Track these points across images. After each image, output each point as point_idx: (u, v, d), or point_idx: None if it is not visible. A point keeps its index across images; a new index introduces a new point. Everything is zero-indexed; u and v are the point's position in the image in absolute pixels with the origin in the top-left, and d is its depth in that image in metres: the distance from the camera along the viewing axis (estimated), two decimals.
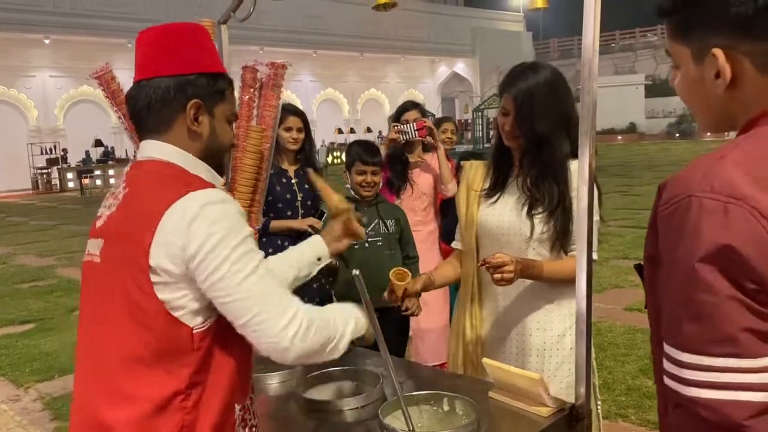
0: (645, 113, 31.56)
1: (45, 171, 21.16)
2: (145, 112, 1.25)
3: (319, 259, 1.56)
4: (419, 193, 3.48)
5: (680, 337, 0.84)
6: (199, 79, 1.24)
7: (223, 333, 1.20)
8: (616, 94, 28.81)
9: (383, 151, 3.46)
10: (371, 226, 2.73)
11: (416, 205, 3.46)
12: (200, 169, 1.27)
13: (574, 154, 1.78)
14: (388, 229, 2.77)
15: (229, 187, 2.08)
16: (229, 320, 1.17)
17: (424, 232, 3.45)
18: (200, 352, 1.16)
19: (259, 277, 1.16)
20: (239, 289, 1.14)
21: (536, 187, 1.87)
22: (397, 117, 3.60)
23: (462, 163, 3.36)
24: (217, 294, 1.14)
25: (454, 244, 2.13)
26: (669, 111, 31.39)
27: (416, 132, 3.40)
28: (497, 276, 1.72)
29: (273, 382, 1.84)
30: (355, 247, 2.67)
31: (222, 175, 1.37)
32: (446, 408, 1.60)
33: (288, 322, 1.15)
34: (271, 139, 2.26)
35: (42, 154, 21.19)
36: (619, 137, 30.26)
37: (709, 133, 0.96)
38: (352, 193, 2.78)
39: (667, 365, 0.86)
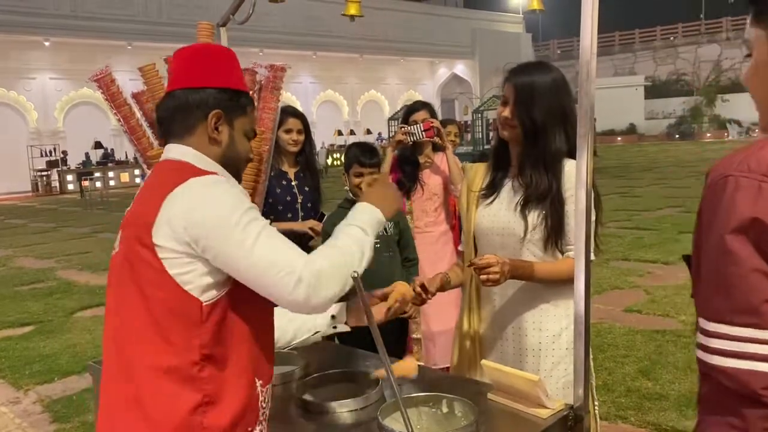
0: (644, 114, 31.60)
1: (45, 173, 21.17)
2: (170, 119, 1.36)
3: (333, 317, 1.73)
4: (430, 194, 3.45)
5: (708, 308, 0.87)
6: (222, 93, 1.34)
7: (236, 306, 1.27)
8: (615, 95, 28.84)
9: (389, 153, 3.45)
10: None
11: (427, 206, 3.44)
12: (216, 169, 1.35)
13: (571, 155, 1.79)
14: (386, 232, 2.77)
15: None
16: (249, 287, 1.24)
17: (436, 233, 3.44)
18: (210, 324, 1.23)
19: (263, 244, 1.21)
20: (248, 259, 1.20)
21: (528, 176, 1.89)
22: (405, 117, 3.55)
23: (464, 165, 3.35)
24: (230, 267, 1.22)
25: (461, 246, 2.14)
26: (668, 112, 31.42)
27: (423, 133, 3.34)
28: (483, 277, 1.75)
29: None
30: None
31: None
32: (445, 410, 1.60)
33: (295, 283, 1.19)
34: (270, 142, 2.27)
35: (42, 156, 21.20)
36: (619, 138, 30.30)
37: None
38: (351, 195, 2.78)
39: (698, 336, 0.89)
